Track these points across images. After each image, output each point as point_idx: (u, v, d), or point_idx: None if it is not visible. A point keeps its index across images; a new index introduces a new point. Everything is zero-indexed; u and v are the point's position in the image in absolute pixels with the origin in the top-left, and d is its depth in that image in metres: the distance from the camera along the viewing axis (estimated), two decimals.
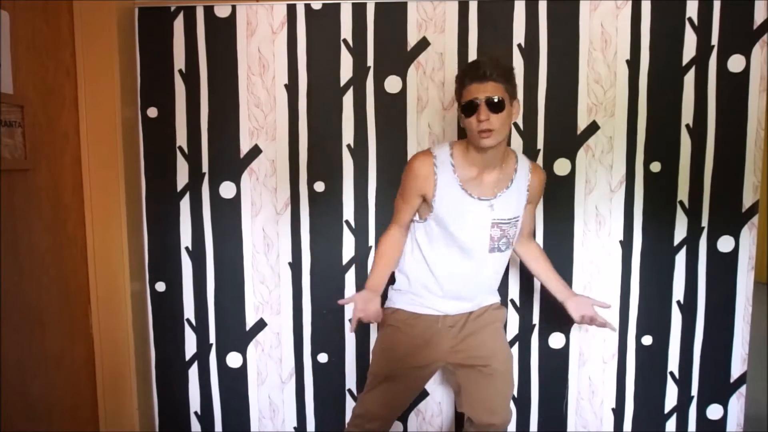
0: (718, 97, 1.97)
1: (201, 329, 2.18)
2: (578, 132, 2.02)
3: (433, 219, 1.63)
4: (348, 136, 2.06)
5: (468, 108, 1.50)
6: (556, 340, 2.11)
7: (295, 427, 2.21)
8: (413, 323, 1.70)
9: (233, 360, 2.18)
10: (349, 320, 2.11)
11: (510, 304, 2.09)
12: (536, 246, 1.85)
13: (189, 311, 2.17)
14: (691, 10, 1.94)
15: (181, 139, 2.10)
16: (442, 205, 1.60)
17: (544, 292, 2.08)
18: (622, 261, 2.06)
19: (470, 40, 2.00)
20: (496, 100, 1.47)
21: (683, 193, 2.02)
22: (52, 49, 1.93)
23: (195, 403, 2.21)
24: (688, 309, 2.07)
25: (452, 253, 1.63)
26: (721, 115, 1.98)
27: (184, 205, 2.13)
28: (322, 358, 2.16)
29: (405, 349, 1.69)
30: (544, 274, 1.81)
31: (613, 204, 2.04)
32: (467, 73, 1.52)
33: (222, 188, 2.11)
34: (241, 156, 2.10)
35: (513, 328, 2.10)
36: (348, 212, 2.09)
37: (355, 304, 1.64)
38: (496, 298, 1.79)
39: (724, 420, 2.10)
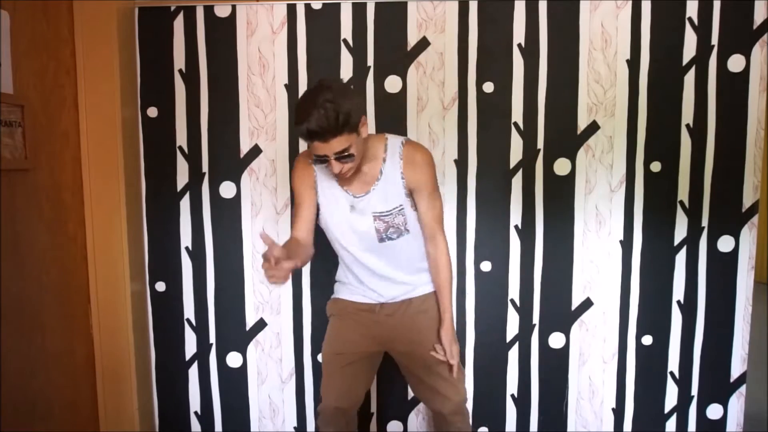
0: (718, 96, 1.97)
1: (201, 329, 2.18)
2: (578, 132, 2.02)
3: (322, 218, 1.64)
4: None
5: (318, 158, 1.46)
6: (556, 340, 2.11)
7: (295, 427, 2.21)
8: (351, 311, 1.71)
9: (233, 360, 2.18)
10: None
11: (510, 304, 2.09)
12: (436, 249, 1.66)
13: (189, 311, 2.17)
14: (691, 10, 1.94)
15: (181, 139, 2.10)
16: (325, 202, 1.62)
17: (545, 292, 2.08)
18: (622, 261, 2.06)
19: (470, 40, 2.00)
20: (345, 154, 1.43)
21: (683, 193, 2.02)
22: (52, 49, 1.93)
23: (195, 403, 2.21)
24: (688, 309, 2.07)
25: (349, 245, 1.63)
26: (721, 114, 1.98)
27: (184, 205, 2.13)
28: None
29: (346, 336, 1.70)
30: (435, 285, 1.69)
31: (613, 204, 2.04)
32: (304, 132, 1.39)
33: (222, 188, 2.11)
34: (241, 156, 2.10)
35: (513, 328, 2.10)
36: None
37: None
38: (433, 287, 1.71)
39: (724, 420, 2.10)
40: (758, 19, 1.93)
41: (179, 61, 2.07)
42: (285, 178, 2.09)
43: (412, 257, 1.68)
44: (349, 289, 1.72)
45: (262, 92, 2.06)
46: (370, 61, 2.03)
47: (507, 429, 2.15)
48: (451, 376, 1.67)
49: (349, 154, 1.44)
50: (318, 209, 1.64)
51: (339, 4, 2.01)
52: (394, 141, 1.60)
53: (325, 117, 1.35)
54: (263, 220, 2.12)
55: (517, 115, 2.02)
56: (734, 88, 1.96)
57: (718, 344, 2.07)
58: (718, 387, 2.09)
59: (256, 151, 2.09)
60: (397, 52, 2.02)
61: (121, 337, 2.16)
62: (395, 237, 1.62)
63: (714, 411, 2.10)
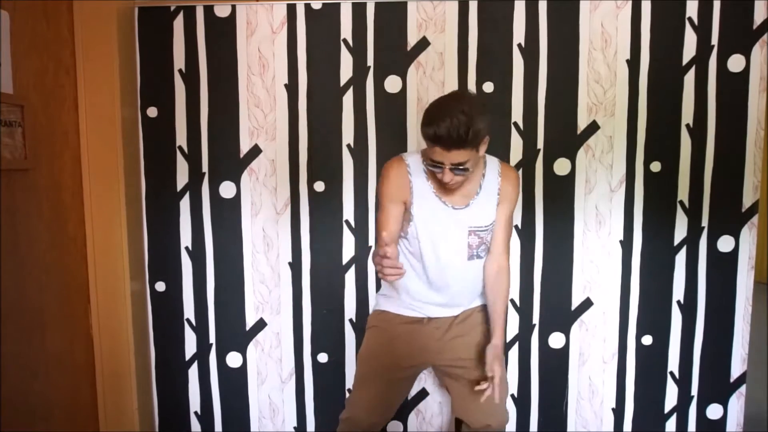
0: (718, 96, 1.97)
1: (201, 329, 2.18)
2: (578, 132, 2.02)
3: (413, 228, 1.59)
4: (348, 136, 2.06)
5: (433, 163, 1.45)
6: (556, 340, 2.11)
7: (295, 427, 2.21)
8: (397, 323, 1.68)
9: (233, 360, 2.18)
10: (350, 320, 2.12)
11: (510, 304, 2.09)
12: (499, 270, 1.65)
13: (189, 311, 2.17)
14: (691, 9, 1.94)
15: (181, 139, 2.10)
16: (420, 212, 1.57)
17: (545, 292, 2.08)
18: (622, 261, 2.06)
19: (470, 40, 2.00)
20: (461, 167, 1.43)
21: (683, 193, 2.02)
22: (52, 49, 1.93)
23: (195, 403, 2.21)
24: (688, 309, 2.07)
25: (433, 261, 1.60)
26: (721, 114, 1.98)
27: (184, 205, 2.13)
28: (322, 358, 2.16)
29: (389, 349, 1.67)
30: (490, 308, 1.68)
31: (613, 204, 2.04)
32: (430, 135, 1.39)
33: (222, 188, 2.11)
34: (241, 156, 2.10)
35: (513, 328, 2.10)
36: (348, 212, 2.09)
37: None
38: (481, 301, 1.73)
39: (724, 420, 2.10)
40: (758, 19, 1.93)
41: (179, 61, 2.07)
42: (285, 177, 2.09)
43: (481, 280, 1.66)
44: (397, 302, 1.69)
45: (262, 92, 2.06)
46: (370, 61, 2.03)
47: (507, 429, 2.15)
48: (499, 392, 1.62)
49: (465, 168, 1.43)
50: (409, 214, 1.58)
51: (339, 4, 2.01)
52: (491, 158, 1.64)
53: (456, 127, 1.35)
54: (263, 220, 2.12)
55: (517, 115, 2.02)
56: (734, 88, 1.96)
57: (718, 344, 2.07)
58: (718, 387, 2.09)
59: (256, 151, 2.09)
60: (397, 52, 2.02)
61: (121, 337, 2.16)
62: (483, 255, 1.62)
63: (714, 411, 2.10)
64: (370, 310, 2.10)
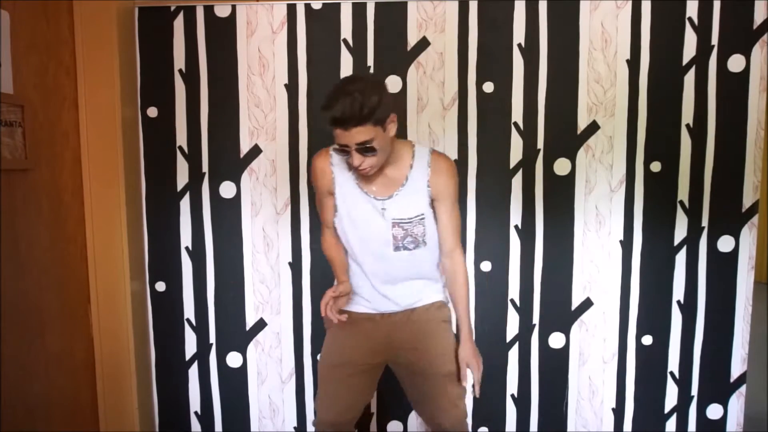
0: (718, 96, 1.97)
1: (201, 329, 2.18)
2: (578, 132, 2.02)
3: (339, 218, 1.59)
4: None
5: (340, 147, 1.43)
6: (556, 340, 2.11)
7: (295, 427, 2.21)
8: (353, 321, 1.64)
9: (233, 360, 2.18)
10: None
11: (510, 304, 2.09)
12: (454, 264, 1.63)
13: (189, 311, 2.17)
14: (691, 10, 1.94)
15: (181, 139, 2.10)
16: (343, 203, 1.57)
17: (545, 292, 2.08)
18: (622, 261, 2.06)
19: (470, 40, 2.00)
20: (367, 146, 1.39)
21: (683, 193, 2.02)
22: (52, 48, 1.93)
23: (195, 403, 2.21)
24: (688, 309, 2.07)
25: (364, 251, 1.58)
26: (721, 114, 1.98)
27: (184, 205, 2.13)
28: None
29: (343, 348, 1.65)
30: (453, 302, 1.66)
31: (613, 204, 2.04)
32: (329, 119, 1.38)
33: (222, 188, 2.11)
34: (241, 156, 2.10)
35: (513, 328, 2.10)
36: None
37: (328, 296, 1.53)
38: (439, 296, 1.67)
39: (724, 420, 2.10)
40: (758, 19, 1.93)
41: (179, 61, 2.07)
42: (285, 177, 2.09)
43: (424, 270, 1.63)
44: (356, 299, 1.67)
45: (262, 92, 2.06)
46: (370, 61, 2.03)
47: (507, 429, 2.15)
48: (452, 391, 1.60)
49: (371, 147, 1.40)
50: (334, 206, 1.59)
51: (339, 4, 2.01)
52: (421, 149, 1.57)
53: (350, 105, 1.34)
54: (263, 220, 2.12)
55: (517, 115, 2.02)
56: (734, 88, 1.96)
57: (718, 344, 2.07)
58: (718, 387, 2.09)
59: (256, 151, 2.09)
60: (397, 52, 2.02)
61: (121, 337, 2.16)
62: (411, 247, 1.57)
63: (714, 411, 2.10)
64: None
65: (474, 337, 2.09)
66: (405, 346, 1.63)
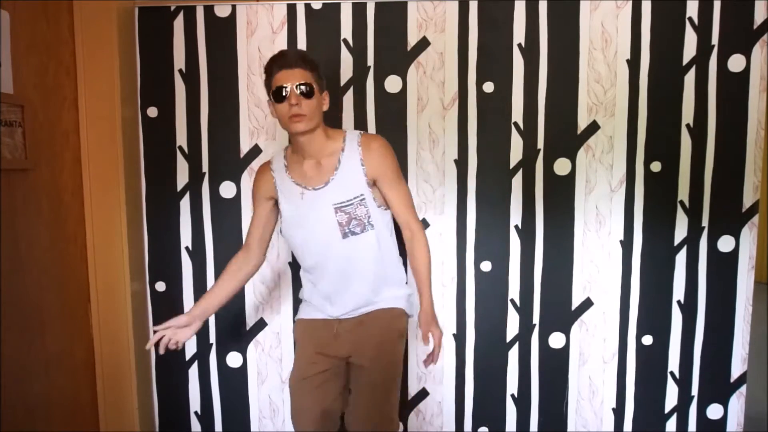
0: (719, 96, 1.97)
1: (201, 329, 2.16)
2: (578, 132, 2.02)
3: (284, 220, 1.64)
4: None
5: (278, 95, 1.51)
6: (556, 340, 2.11)
7: None
8: (310, 330, 1.68)
9: (233, 360, 2.18)
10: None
11: (510, 304, 2.09)
12: (414, 239, 1.64)
13: None
14: (692, 9, 1.94)
15: (181, 139, 2.10)
16: (286, 203, 1.63)
17: (545, 292, 2.08)
18: (622, 261, 2.06)
19: (470, 40, 2.00)
20: (305, 88, 1.50)
21: (683, 193, 2.02)
22: (52, 48, 1.93)
23: (195, 403, 2.21)
24: (689, 309, 2.07)
25: (311, 248, 1.62)
26: (721, 114, 1.98)
27: (184, 205, 2.13)
28: None
29: (308, 358, 1.65)
30: (413, 273, 1.66)
31: (613, 204, 2.04)
32: (275, 61, 1.53)
33: (222, 188, 2.11)
34: (241, 156, 2.10)
35: (513, 328, 2.10)
36: None
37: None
38: (398, 303, 1.66)
39: (724, 420, 2.10)
40: (758, 19, 1.93)
41: (179, 61, 2.07)
42: None
43: (378, 259, 1.61)
44: (309, 306, 1.69)
45: (262, 92, 2.06)
46: (370, 61, 2.03)
47: (507, 429, 2.15)
48: (391, 409, 1.61)
49: (309, 91, 1.50)
50: (278, 208, 1.67)
51: (339, 4, 2.01)
52: (352, 133, 1.63)
53: (295, 51, 1.59)
54: None
55: (517, 115, 2.02)
56: (734, 88, 1.96)
57: (719, 344, 2.07)
58: (718, 387, 2.09)
59: (256, 151, 2.09)
60: (397, 52, 2.02)
61: (121, 337, 2.16)
62: (359, 231, 1.57)
63: (714, 411, 2.10)
64: None
65: (474, 338, 2.11)
66: (359, 349, 1.62)
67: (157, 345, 1.61)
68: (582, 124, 2.01)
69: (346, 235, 1.57)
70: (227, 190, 2.11)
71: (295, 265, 2.13)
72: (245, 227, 2.12)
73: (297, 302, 2.13)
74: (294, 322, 1.80)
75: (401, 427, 2.18)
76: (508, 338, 2.11)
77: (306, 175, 1.60)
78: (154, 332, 1.61)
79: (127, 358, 2.17)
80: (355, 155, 1.58)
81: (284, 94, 1.49)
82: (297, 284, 2.14)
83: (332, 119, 2.05)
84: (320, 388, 1.64)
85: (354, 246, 1.59)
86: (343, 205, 1.57)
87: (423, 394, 2.15)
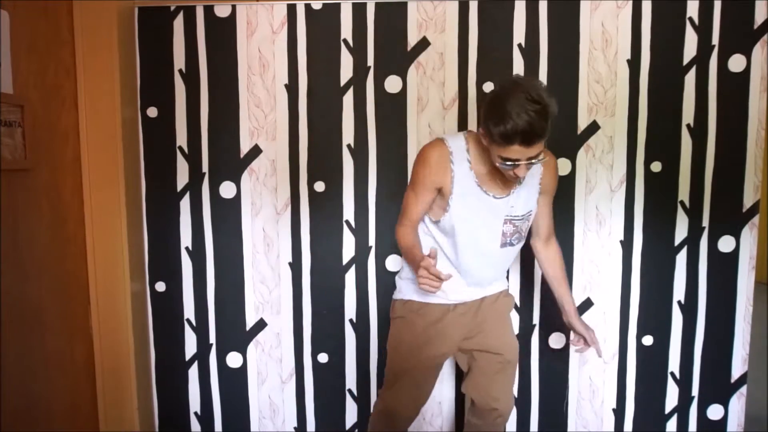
0: (719, 96, 1.97)
1: (201, 329, 2.18)
2: (579, 132, 2.02)
3: (448, 217, 1.55)
4: (348, 136, 2.06)
5: (507, 161, 1.40)
6: (556, 340, 2.11)
7: (295, 427, 2.20)
8: (424, 312, 1.65)
9: (233, 360, 2.18)
10: (350, 320, 2.11)
11: None
12: (555, 249, 1.78)
13: (189, 311, 2.17)
14: (692, 9, 1.94)
15: (181, 139, 2.10)
16: (459, 203, 1.53)
17: (545, 292, 2.08)
18: (622, 261, 2.06)
19: (470, 40, 2.00)
20: (536, 160, 1.41)
21: (684, 193, 2.01)
22: (52, 48, 1.93)
23: (195, 403, 2.21)
24: (689, 309, 2.06)
25: (464, 248, 1.59)
26: (721, 114, 1.97)
27: (184, 205, 2.13)
28: (322, 358, 2.16)
29: (418, 340, 1.65)
30: (556, 282, 1.78)
31: (613, 204, 2.04)
32: (519, 135, 1.32)
33: (222, 188, 2.11)
34: (241, 156, 2.10)
35: (513, 329, 2.10)
36: (348, 212, 2.09)
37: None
38: (505, 285, 1.79)
39: (724, 420, 2.09)
40: (759, 19, 1.93)
41: (179, 61, 2.07)
42: (285, 178, 2.09)
43: (509, 265, 1.73)
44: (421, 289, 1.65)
45: (262, 92, 2.06)
46: (370, 61, 2.03)
47: (507, 429, 2.15)
48: (509, 375, 1.72)
49: (539, 158, 1.40)
50: (445, 204, 1.55)
51: (339, 4, 2.01)
52: None
53: (541, 117, 1.31)
54: (263, 220, 2.11)
55: None
56: (735, 88, 1.96)
57: (719, 344, 2.07)
58: (718, 387, 2.08)
59: (256, 151, 2.09)
60: (397, 52, 2.01)
61: (121, 337, 2.16)
62: (516, 243, 1.62)
63: (714, 411, 2.10)
64: (371, 310, 2.11)
65: None
66: (476, 333, 1.69)
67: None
68: (582, 124, 2.01)
69: (504, 245, 1.61)
70: (227, 190, 2.11)
71: (295, 266, 2.12)
72: (245, 227, 2.12)
73: (297, 302, 2.14)
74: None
75: None
76: None
77: (487, 178, 1.54)
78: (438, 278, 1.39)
79: (127, 358, 2.17)
80: (536, 173, 1.61)
81: (514, 163, 1.40)
82: (297, 284, 2.14)
83: (332, 120, 2.05)
84: (428, 371, 1.69)
85: (506, 254, 1.64)
86: (515, 218, 1.59)
87: None
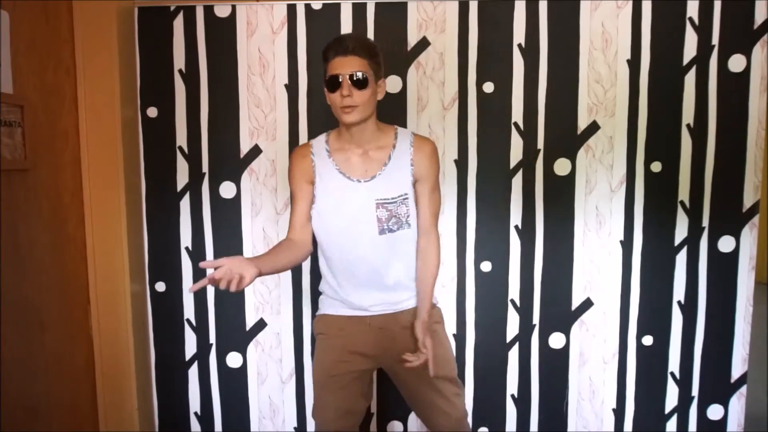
0: (719, 96, 1.97)
1: (201, 329, 2.18)
2: (579, 132, 2.02)
3: (318, 208, 1.57)
4: None
5: (331, 83, 1.47)
6: (556, 340, 2.11)
7: (295, 427, 2.20)
8: (341, 327, 1.63)
9: (233, 360, 2.18)
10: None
11: (510, 304, 2.09)
12: (431, 244, 1.62)
13: (189, 311, 2.17)
14: (692, 9, 1.94)
15: (181, 139, 2.10)
16: (324, 191, 1.56)
17: (545, 293, 2.08)
18: (622, 261, 2.06)
19: (470, 40, 2.00)
20: (359, 77, 1.45)
21: (684, 193, 2.01)
22: (51, 48, 1.93)
23: (195, 403, 2.21)
24: (689, 309, 2.06)
25: (344, 239, 1.56)
26: (721, 114, 1.97)
27: (184, 205, 2.13)
28: None
29: (338, 355, 1.61)
30: (419, 278, 1.62)
31: (613, 204, 2.04)
32: (331, 47, 1.48)
33: (222, 188, 2.11)
34: (241, 156, 2.10)
35: (513, 328, 2.10)
36: None
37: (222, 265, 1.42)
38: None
39: (724, 420, 2.10)
40: (759, 19, 1.93)
41: (179, 61, 2.07)
42: (285, 178, 2.08)
43: (409, 260, 1.61)
44: (335, 302, 1.64)
45: (262, 92, 2.06)
46: None
47: (507, 429, 2.15)
48: (449, 390, 1.60)
49: (363, 80, 1.45)
50: (314, 198, 1.58)
51: (339, 4, 2.01)
52: (404, 131, 1.61)
53: (350, 37, 1.50)
54: (263, 220, 2.11)
55: (517, 115, 2.02)
56: (735, 88, 1.96)
57: (719, 345, 2.07)
58: (718, 387, 2.09)
59: (256, 151, 2.09)
60: (397, 52, 2.01)
61: (121, 337, 2.16)
62: (396, 228, 1.56)
63: (714, 411, 2.10)
64: None
65: (474, 338, 2.11)
66: (393, 349, 1.59)
67: (201, 291, 1.51)
68: (582, 124, 2.01)
69: (383, 232, 1.56)
70: (227, 190, 2.11)
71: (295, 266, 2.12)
72: (245, 227, 2.12)
73: (297, 302, 2.13)
74: (313, 317, 1.75)
75: (401, 426, 2.18)
76: (508, 338, 2.10)
77: (351, 165, 1.55)
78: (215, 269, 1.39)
79: (127, 359, 2.17)
80: (405, 154, 1.57)
81: (337, 83, 1.45)
82: (297, 284, 2.14)
83: (332, 120, 2.05)
84: (349, 386, 1.62)
85: (390, 242, 1.57)
86: (387, 201, 1.55)
87: None
